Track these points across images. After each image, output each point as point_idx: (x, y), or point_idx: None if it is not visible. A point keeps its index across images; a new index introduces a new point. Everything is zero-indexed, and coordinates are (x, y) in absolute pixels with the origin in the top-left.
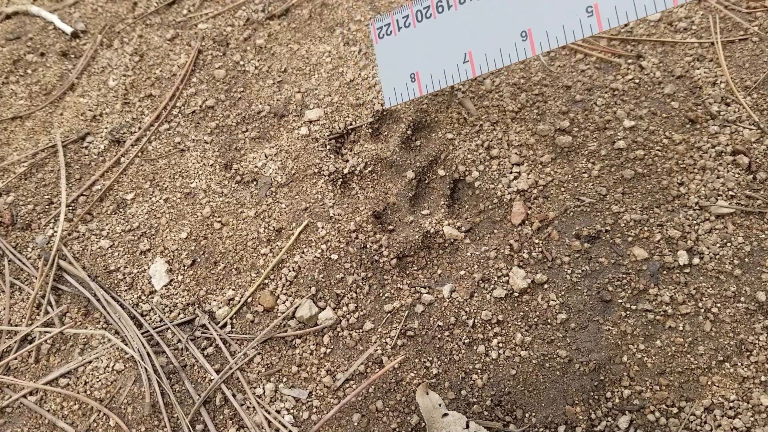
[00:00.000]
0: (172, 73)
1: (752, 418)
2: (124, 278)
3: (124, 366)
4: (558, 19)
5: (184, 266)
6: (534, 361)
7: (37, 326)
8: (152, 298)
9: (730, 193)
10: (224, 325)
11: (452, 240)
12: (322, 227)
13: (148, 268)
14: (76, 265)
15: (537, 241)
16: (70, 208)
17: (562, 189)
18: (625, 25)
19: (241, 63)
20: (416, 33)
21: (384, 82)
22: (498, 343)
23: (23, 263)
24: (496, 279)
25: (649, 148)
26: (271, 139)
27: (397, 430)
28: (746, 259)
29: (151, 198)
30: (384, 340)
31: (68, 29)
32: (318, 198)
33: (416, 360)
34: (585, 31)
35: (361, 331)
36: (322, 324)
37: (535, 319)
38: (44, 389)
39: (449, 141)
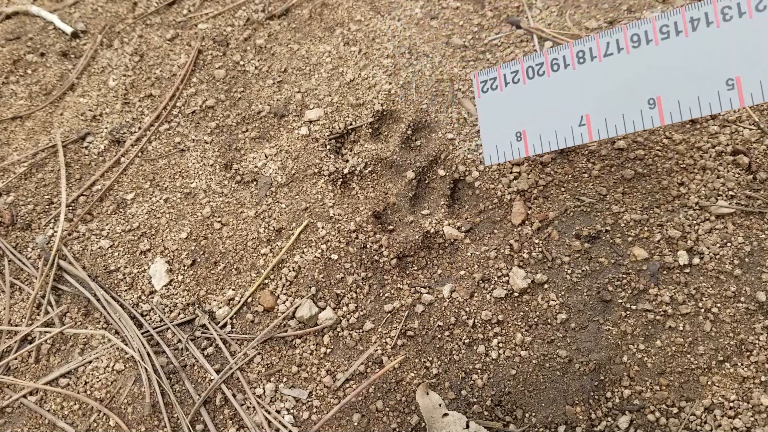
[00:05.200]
0: (172, 73)
1: (752, 418)
2: (124, 278)
3: (124, 366)
4: (694, 90)
5: (184, 266)
6: (534, 361)
7: (37, 326)
8: (152, 298)
9: (730, 193)
10: (224, 325)
11: (452, 240)
12: (322, 227)
13: (148, 268)
14: (76, 265)
15: (537, 241)
16: (70, 208)
17: (562, 189)
18: None
19: (241, 63)
20: (526, 90)
21: (485, 139)
22: (498, 343)
23: (23, 263)
24: (496, 279)
25: (650, 148)
26: (271, 139)
27: (397, 430)
28: (746, 259)
29: (151, 198)
30: (384, 340)
31: (68, 29)
32: (318, 198)
33: (416, 360)
34: (724, 105)
35: (361, 331)
36: (322, 324)
37: (535, 319)
38: (44, 389)
39: (449, 141)
